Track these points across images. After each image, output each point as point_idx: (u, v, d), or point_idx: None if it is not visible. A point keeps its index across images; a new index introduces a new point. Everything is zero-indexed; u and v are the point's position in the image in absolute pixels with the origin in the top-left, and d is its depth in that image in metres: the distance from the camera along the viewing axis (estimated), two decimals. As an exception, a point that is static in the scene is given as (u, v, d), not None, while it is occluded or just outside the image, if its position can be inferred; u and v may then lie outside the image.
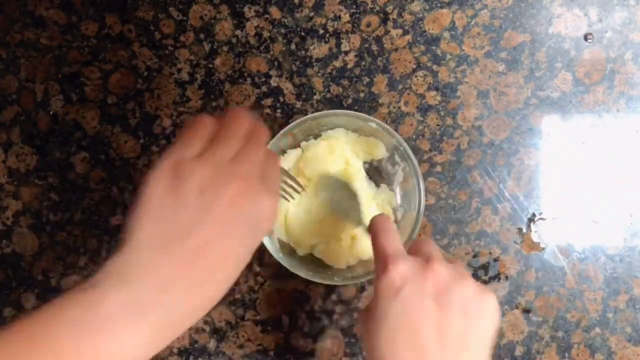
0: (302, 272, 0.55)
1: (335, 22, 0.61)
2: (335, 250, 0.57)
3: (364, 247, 0.57)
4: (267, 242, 0.54)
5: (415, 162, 0.54)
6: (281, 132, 0.54)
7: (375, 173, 0.59)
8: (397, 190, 0.58)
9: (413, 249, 0.44)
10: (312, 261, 0.58)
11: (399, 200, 0.58)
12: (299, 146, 0.58)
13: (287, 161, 0.58)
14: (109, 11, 0.61)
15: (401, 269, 0.39)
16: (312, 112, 0.60)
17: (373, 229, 0.44)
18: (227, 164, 0.36)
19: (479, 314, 0.39)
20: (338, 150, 0.57)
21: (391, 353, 0.37)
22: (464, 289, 0.39)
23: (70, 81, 0.61)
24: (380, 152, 0.58)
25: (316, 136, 0.58)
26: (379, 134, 0.56)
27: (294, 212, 0.58)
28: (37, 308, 0.31)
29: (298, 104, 0.61)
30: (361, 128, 0.57)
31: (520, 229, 0.60)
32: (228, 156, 0.37)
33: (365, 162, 0.59)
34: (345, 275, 0.56)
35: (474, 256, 0.60)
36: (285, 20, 0.61)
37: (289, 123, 0.60)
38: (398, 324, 0.38)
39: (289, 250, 0.58)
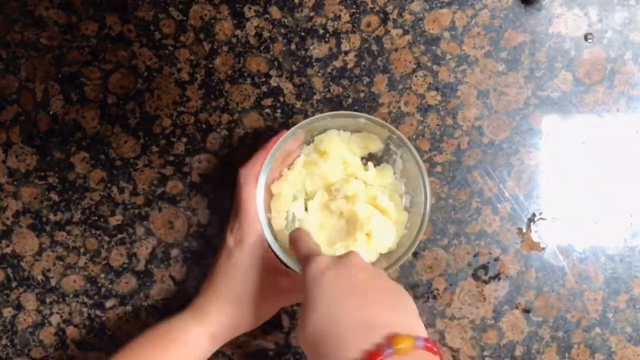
0: None
1: (335, 22, 0.61)
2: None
3: (379, 242, 0.56)
4: (272, 243, 0.54)
5: (411, 146, 0.53)
6: (276, 144, 0.53)
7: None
8: (400, 178, 0.58)
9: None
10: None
11: (403, 187, 0.58)
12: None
13: (291, 171, 0.57)
14: (109, 11, 0.61)
15: (320, 258, 0.45)
16: (312, 112, 0.60)
17: (291, 241, 0.51)
18: None
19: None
20: (332, 154, 0.56)
21: (337, 319, 0.40)
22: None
23: (70, 81, 0.61)
24: (376, 144, 0.58)
25: (308, 142, 0.58)
26: (370, 127, 0.56)
27: (303, 220, 0.57)
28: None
29: (298, 104, 0.61)
30: (352, 126, 0.57)
31: (520, 229, 0.60)
32: None
33: (362, 158, 0.59)
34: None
35: (474, 256, 0.60)
36: (285, 20, 0.61)
37: (289, 123, 0.60)
38: (333, 295, 0.41)
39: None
